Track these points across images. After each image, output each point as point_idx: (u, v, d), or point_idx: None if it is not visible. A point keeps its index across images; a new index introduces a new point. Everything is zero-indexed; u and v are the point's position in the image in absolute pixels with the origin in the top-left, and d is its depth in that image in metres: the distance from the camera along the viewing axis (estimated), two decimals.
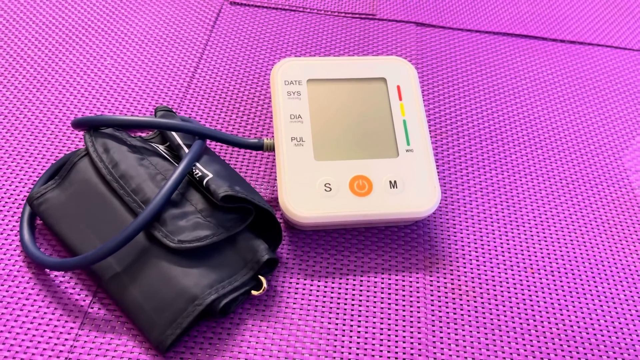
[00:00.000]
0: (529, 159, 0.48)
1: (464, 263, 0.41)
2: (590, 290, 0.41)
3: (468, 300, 0.40)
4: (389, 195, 0.40)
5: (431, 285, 0.40)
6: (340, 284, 0.40)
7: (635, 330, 0.39)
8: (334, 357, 0.36)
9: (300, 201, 0.39)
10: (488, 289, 0.40)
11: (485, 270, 0.41)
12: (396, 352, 0.37)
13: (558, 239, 0.43)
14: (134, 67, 0.52)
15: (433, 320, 0.38)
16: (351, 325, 0.38)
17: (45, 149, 0.45)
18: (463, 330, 0.38)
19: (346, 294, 0.39)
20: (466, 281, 0.40)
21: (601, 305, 0.40)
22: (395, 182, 0.40)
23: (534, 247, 0.43)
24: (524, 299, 0.40)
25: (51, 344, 0.35)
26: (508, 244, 0.43)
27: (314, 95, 0.43)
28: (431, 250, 0.42)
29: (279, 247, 0.40)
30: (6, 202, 0.41)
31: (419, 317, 0.38)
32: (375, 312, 0.38)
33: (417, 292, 0.40)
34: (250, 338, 0.36)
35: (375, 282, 0.40)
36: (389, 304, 0.39)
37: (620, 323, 0.39)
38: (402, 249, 0.42)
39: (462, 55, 0.57)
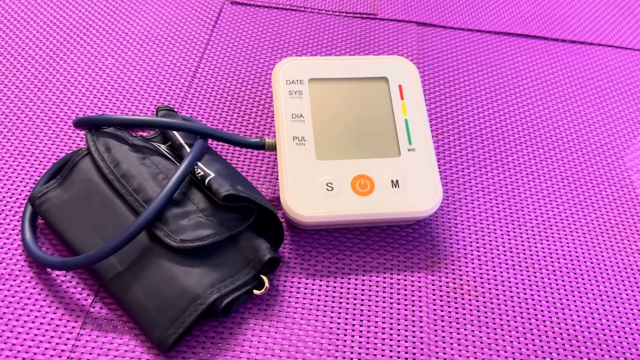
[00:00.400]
0: (531, 159, 0.48)
1: (466, 262, 0.41)
2: (592, 289, 0.41)
3: (470, 300, 0.39)
4: (391, 194, 0.40)
5: (433, 285, 0.40)
6: (342, 283, 0.39)
7: (638, 329, 0.39)
8: (336, 357, 0.36)
9: (302, 200, 0.39)
10: (490, 289, 0.40)
11: (487, 270, 0.41)
12: (398, 352, 0.37)
13: (560, 238, 0.43)
14: (135, 67, 0.52)
15: (435, 320, 0.38)
16: (353, 325, 0.38)
17: (47, 149, 0.45)
18: (465, 329, 0.38)
19: (348, 293, 0.39)
20: (468, 280, 0.40)
21: (603, 305, 0.40)
22: (397, 181, 0.40)
23: (536, 247, 0.43)
24: (526, 298, 0.40)
25: (53, 344, 0.35)
26: (510, 244, 0.43)
27: (316, 95, 0.43)
28: (433, 249, 0.42)
29: (280, 246, 0.40)
30: (8, 202, 0.41)
31: (421, 317, 0.38)
32: (377, 312, 0.38)
33: (419, 291, 0.40)
34: (252, 337, 0.36)
35: (377, 282, 0.40)
36: (391, 303, 0.39)
37: (622, 322, 0.39)
38: (403, 249, 0.42)
39: (464, 54, 0.57)
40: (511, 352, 0.37)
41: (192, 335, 0.36)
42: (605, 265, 0.42)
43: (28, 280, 0.38)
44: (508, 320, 0.39)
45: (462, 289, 0.40)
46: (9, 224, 0.40)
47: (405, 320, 0.38)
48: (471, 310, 0.39)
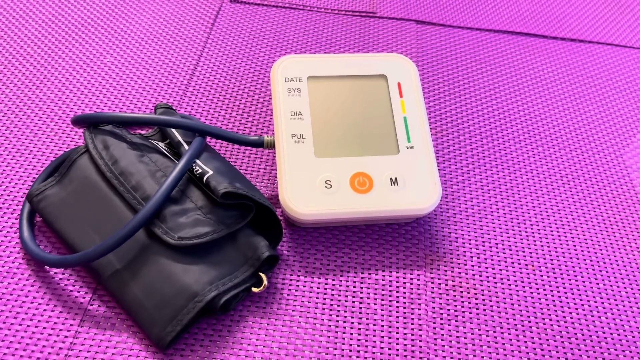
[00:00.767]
0: (530, 157, 0.48)
1: (465, 260, 0.41)
2: (592, 287, 0.41)
3: (469, 298, 0.39)
4: (390, 192, 0.40)
5: (432, 283, 0.40)
6: (340, 281, 0.39)
7: (637, 328, 0.39)
8: (335, 354, 0.36)
9: (301, 198, 0.39)
10: (489, 286, 0.40)
11: (486, 268, 0.41)
12: (397, 349, 0.36)
13: (559, 236, 0.43)
14: (134, 65, 0.52)
15: (434, 318, 0.38)
16: (352, 323, 0.37)
17: (45, 146, 0.45)
18: (464, 327, 0.38)
19: (347, 291, 0.39)
20: (467, 278, 0.40)
21: (602, 303, 0.40)
22: (395, 179, 0.40)
23: (535, 245, 0.43)
24: (525, 296, 0.40)
25: (51, 341, 0.35)
26: (509, 241, 0.43)
27: (315, 92, 0.43)
28: (432, 247, 0.42)
29: (279, 244, 0.40)
30: (5, 199, 0.41)
31: (419, 315, 0.38)
32: (375, 310, 0.38)
33: (418, 289, 0.39)
34: (250, 335, 0.36)
35: (376, 279, 0.40)
36: (390, 301, 0.39)
37: (621, 320, 0.39)
38: (402, 246, 0.42)
39: (463, 52, 0.57)
40: (510, 349, 0.37)
41: (191, 333, 0.36)
42: (604, 263, 0.42)
43: (26, 278, 0.38)
44: (507, 318, 0.39)
45: (461, 287, 0.40)
46: (6, 222, 0.40)
47: (404, 318, 0.38)
48: (470, 308, 0.39)
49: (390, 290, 0.39)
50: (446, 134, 0.49)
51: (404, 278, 0.40)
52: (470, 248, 0.42)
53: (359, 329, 0.37)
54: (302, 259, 0.40)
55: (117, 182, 0.37)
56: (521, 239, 0.43)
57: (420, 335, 0.37)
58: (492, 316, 0.39)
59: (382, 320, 0.38)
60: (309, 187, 0.39)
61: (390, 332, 0.37)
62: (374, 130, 0.42)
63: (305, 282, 0.39)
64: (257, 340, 0.36)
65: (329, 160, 0.40)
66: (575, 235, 0.44)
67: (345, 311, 0.38)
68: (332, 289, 0.39)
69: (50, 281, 0.38)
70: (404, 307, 0.38)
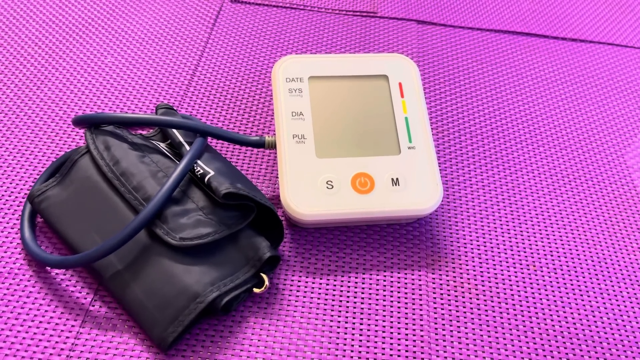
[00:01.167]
0: (531, 157, 0.48)
1: (466, 260, 0.41)
2: (593, 287, 0.41)
3: (470, 298, 0.39)
4: (391, 192, 0.40)
5: (433, 283, 0.40)
6: (342, 281, 0.39)
7: (638, 327, 0.39)
8: (336, 355, 0.36)
9: (302, 199, 0.39)
10: (490, 286, 0.40)
11: (488, 268, 0.41)
12: (398, 350, 0.36)
13: (560, 236, 0.43)
14: (134, 65, 0.52)
15: (435, 318, 0.38)
16: (353, 323, 0.37)
17: (46, 147, 0.45)
18: (465, 327, 0.38)
19: (348, 291, 0.39)
20: (468, 278, 0.40)
21: (604, 303, 0.40)
22: (397, 179, 0.40)
23: (537, 245, 0.43)
24: (527, 296, 0.40)
25: (52, 342, 0.35)
26: (510, 242, 0.43)
27: (316, 93, 0.43)
28: (433, 247, 0.42)
29: (280, 244, 0.40)
30: (7, 200, 0.41)
31: (421, 315, 0.38)
32: (377, 310, 0.38)
33: (420, 289, 0.39)
34: (252, 335, 0.36)
35: (377, 280, 0.40)
36: (391, 301, 0.39)
37: (622, 320, 0.39)
38: (404, 247, 0.42)
39: (464, 52, 0.57)
40: (511, 350, 0.37)
41: (192, 334, 0.36)
42: (605, 263, 0.42)
43: (27, 279, 0.38)
44: (508, 318, 0.39)
45: (462, 287, 0.40)
46: (8, 223, 0.40)
47: (406, 318, 0.38)
48: (471, 308, 0.39)
49: (391, 291, 0.39)
50: (447, 134, 0.49)
51: (406, 278, 0.40)
52: (472, 248, 0.42)
53: (361, 329, 0.37)
54: (303, 260, 0.40)
55: (118, 183, 0.37)
56: (522, 239, 0.43)
57: (422, 336, 0.37)
58: (494, 316, 0.39)
59: (383, 321, 0.38)
60: (310, 187, 0.39)
61: (391, 333, 0.37)
62: (375, 131, 0.42)
63: (306, 282, 0.39)
64: (259, 340, 0.36)
65: (330, 161, 0.40)
66: (577, 235, 0.44)
67: (347, 311, 0.38)
68: (334, 290, 0.39)
69: (51, 282, 0.38)
70: (406, 308, 0.38)
